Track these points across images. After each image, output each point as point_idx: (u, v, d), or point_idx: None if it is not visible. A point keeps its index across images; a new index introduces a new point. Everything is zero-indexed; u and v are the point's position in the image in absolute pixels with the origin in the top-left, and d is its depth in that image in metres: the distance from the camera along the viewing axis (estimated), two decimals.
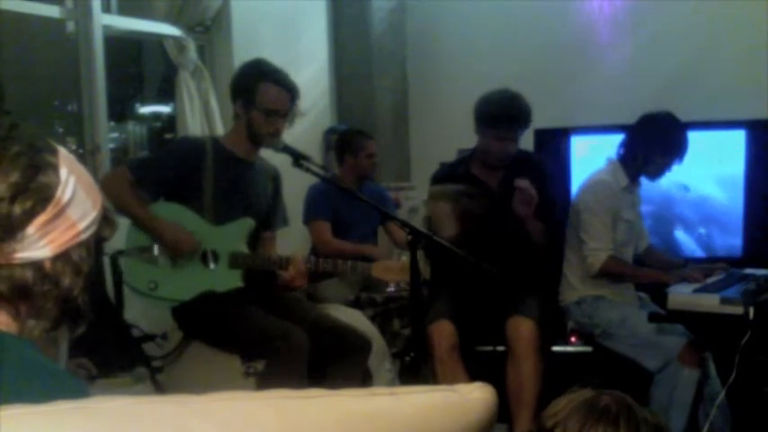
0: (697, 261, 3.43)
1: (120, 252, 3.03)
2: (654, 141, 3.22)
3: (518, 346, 3.15)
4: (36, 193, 0.98)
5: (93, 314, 1.14)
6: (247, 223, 2.97)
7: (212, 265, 2.92)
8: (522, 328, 3.16)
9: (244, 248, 2.95)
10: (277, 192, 3.19)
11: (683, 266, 3.34)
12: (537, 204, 3.19)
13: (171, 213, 2.92)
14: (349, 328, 3.11)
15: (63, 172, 1.01)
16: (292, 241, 3.79)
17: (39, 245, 0.99)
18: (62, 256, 1.02)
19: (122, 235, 3.05)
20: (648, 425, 1.36)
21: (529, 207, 3.18)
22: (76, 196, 1.02)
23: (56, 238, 1.00)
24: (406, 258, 2.70)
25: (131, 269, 2.96)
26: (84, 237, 1.04)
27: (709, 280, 3.05)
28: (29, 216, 0.98)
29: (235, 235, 2.95)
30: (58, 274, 1.02)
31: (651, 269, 3.39)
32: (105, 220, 1.09)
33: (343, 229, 3.93)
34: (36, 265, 1.00)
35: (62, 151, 1.03)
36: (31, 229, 0.98)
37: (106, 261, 3.17)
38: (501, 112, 3.23)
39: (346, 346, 3.01)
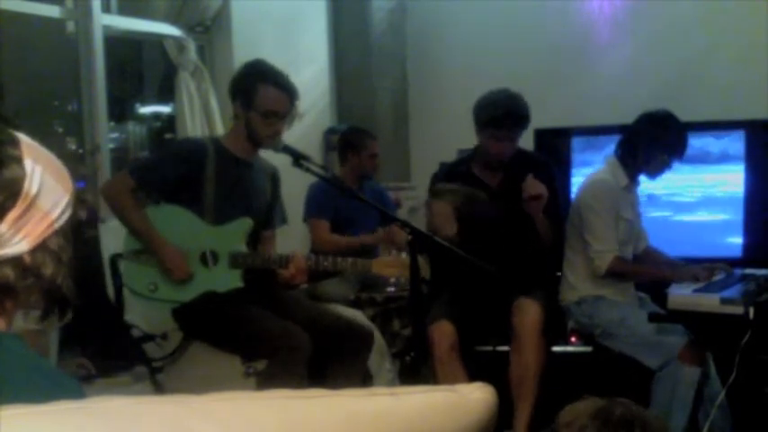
0: (697, 261, 3.43)
1: (119, 255, 3.03)
2: (654, 140, 3.22)
3: (523, 329, 3.16)
4: (3, 189, 0.97)
5: (92, 312, 1.13)
6: (246, 223, 2.97)
7: (212, 266, 2.92)
8: (529, 311, 3.18)
9: (243, 248, 2.95)
10: (276, 190, 3.20)
11: (682, 267, 3.35)
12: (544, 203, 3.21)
13: (170, 215, 2.93)
14: (351, 323, 3.13)
15: (28, 163, 0.99)
16: (292, 240, 3.79)
17: (14, 240, 0.98)
18: (40, 248, 1.01)
19: (121, 237, 3.05)
20: (655, 430, 1.38)
21: (537, 205, 3.19)
22: (45, 186, 1.00)
23: (31, 231, 0.99)
24: (405, 254, 2.70)
25: (130, 272, 2.97)
26: (58, 225, 1.02)
27: (702, 282, 3.06)
28: (0, 214, 0.97)
29: (234, 235, 2.95)
30: (38, 265, 1.01)
31: (657, 267, 3.40)
32: (79, 202, 1.07)
33: (343, 229, 3.93)
34: (15, 261, 0.99)
35: (24, 141, 1.01)
36: (3, 227, 0.97)
37: (105, 264, 3.18)
38: (497, 113, 3.23)
39: (348, 342, 3.02)
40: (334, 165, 4.22)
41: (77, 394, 0.93)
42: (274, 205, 3.19)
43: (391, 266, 2.81)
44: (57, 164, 1.04)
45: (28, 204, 0.98)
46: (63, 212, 1.03)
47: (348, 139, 4.13)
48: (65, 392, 0.85)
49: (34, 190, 0.98)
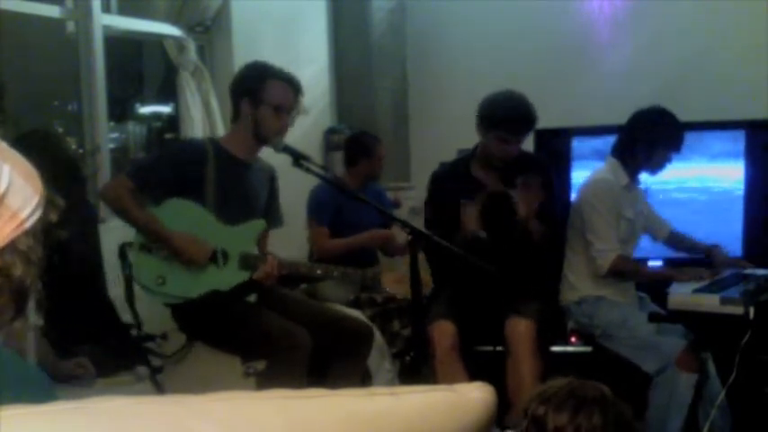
0: (697, 261, 3.44)
1: (129, 244, 3.01)
2: (652, 136, 3.23)
3: (516, 346, 3.16)
4: None
5: (92, 312, 1.13)
6: (260, 225, 2.98)
7: (222, 265, 2.92)
8: (521, 329, 3.16)
9: (255, 250, 2.95)
10: (273, 192, 3.19)
11: (711, 250, 3.41)
12: (540, 203, 3.20)
13: (184, 210, 2.91)
14: (351, 321, 3.15)
15: None
16: (293, 241, 3.79)
17: None
18: (9, 248, 1.00)
19: (121, 237, 3.05)
20: (625, 415, 1.42)
21: (532, 205, 3.19)
22: (13, 184, 0.98)
23: None
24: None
25: (139, 263, 2.94)
26: (28, 225, 1.01)
27: (703, 282, 3.05)
28: None
29: (247, 236, 2.95)
30: (8, 266, 1.00)
31: (658, 268, 3.41)
32: (49, 204, 1.06)
33: (345, 231, 3.92)
34: None
35: None
36: None
37: (111, 259, 3.16)
38: (507, 115, 3.22)
39: (348, 340, 3.03)
40: (335, 165, 4.22)
41: (47, 393, 0.95)
42: (271, 207, 3.19)
43: (401, 282, 2.78)
44: (26, 164, 1.03)
45: None
46: (33, 212, 1.01)
47: (361, 143, 4.11)
48: (37, 389, 0.85)
49: (2, 188, 0.97)
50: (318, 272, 2.98)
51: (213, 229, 2.91)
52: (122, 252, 3.09)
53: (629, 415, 1.44)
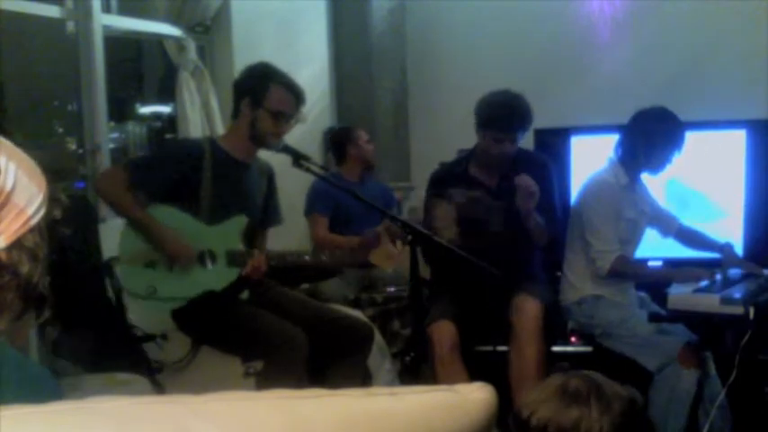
0: (696, 261, 3.44)
1: (116, 258, 3.02)
2: (653, 136, 3.23)
3: (522, 327, 3.15)
4: None
5: (92, 312, 1.13)
6: (241, 221, 2.97)
7: (210, 265, 2.92)
8: (528, 309, 3.16)
9: (240, 246, 2.95)
10: (271, 190, 3.19)
11: (723, 248, 3.39)
12: (538, 201, 3.20)
13: (165, 216, 2.91)
14: (351, 320, 3.15)
15: (1, 159, 0.98)
16: (294, 240, 3.79)
17: None
18: (16, 245, 1.00)
19: (117, 240, 3.04)
20: (622, 399, 1.40)
21: (530, 202, 3.19)
22: (19, 182, 0.99)
23: (6, 228, 0.98)
24: (402, 245, 2.70)
25: (128, 275, 2.95)
26: (34, 222, 1.02)
27: (705, 282, 3.05)
28: None
29: (230, 233, 2.95)
30: (14, 263, 1.00)
31: (659, 268, 3.41)
32: (53, 201, 1.06)
33: (344, 225, 3.93)
34: None
35: None
36: None
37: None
38: (499, 114, 3.23)
39: (349, 339, 3.03)
40: (334, 165, 4.22)
41: (52, 391, 0.95)
42: (269, 204, 3.19)
43: (390, 257, 2.79)
44: (30, 162, 1.04)
45: (3, 201, 0.97)
46: (38, 209, 1.02)
47: (341, 135, 4.23)
48: (41, 388, 0.85)
49: (9, 186, 0.97)
50: (306, 258, 2.98)
51: (195, 230, 2.91)
52: (109, 267, 3.09)
53: (626, 404, 1.41)
